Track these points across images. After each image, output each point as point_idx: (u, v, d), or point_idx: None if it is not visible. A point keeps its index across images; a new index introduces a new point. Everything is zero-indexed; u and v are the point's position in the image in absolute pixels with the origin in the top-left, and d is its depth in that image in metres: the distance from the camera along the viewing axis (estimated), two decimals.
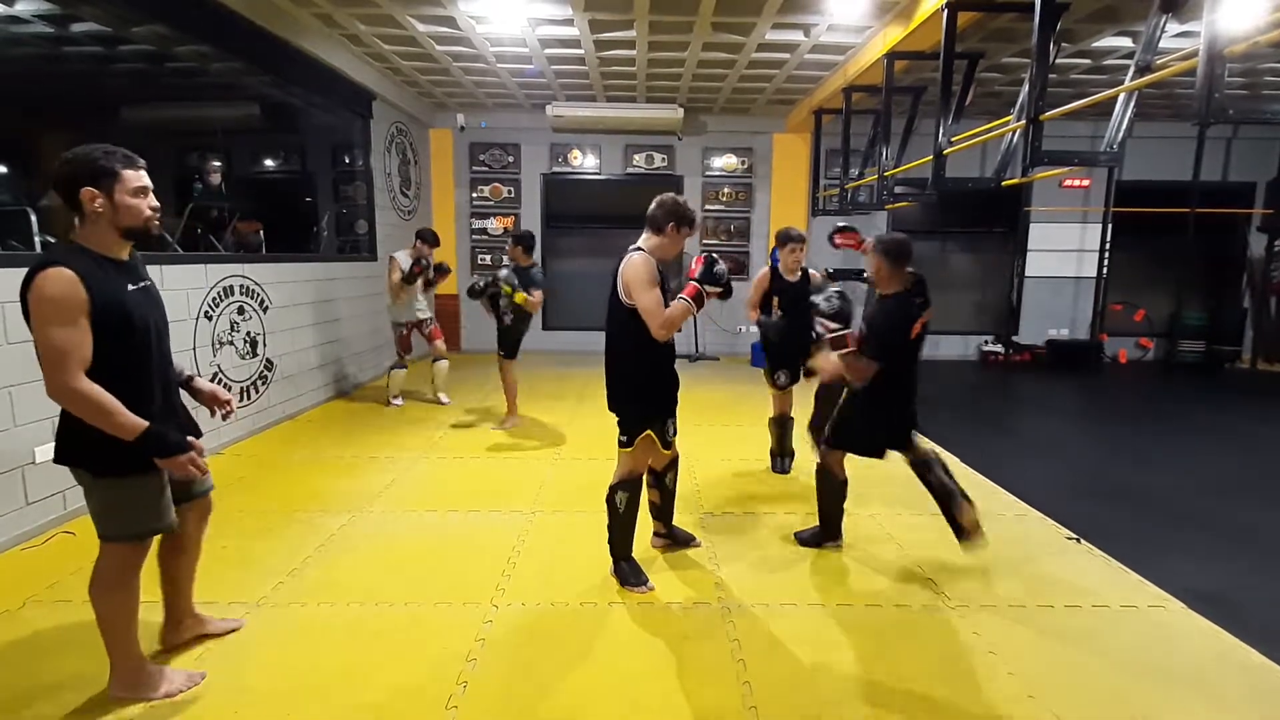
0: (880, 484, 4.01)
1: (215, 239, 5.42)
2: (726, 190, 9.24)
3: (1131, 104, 3.30)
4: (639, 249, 2.76)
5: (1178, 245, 8.65)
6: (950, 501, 3.00)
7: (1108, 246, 9.01)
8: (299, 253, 6.11)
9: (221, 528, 3.32)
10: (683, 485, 4.05)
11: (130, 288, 1.95)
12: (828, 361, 3.05)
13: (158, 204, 1.99)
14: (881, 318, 2.95)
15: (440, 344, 5.95)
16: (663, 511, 3.20)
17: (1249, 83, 6.95)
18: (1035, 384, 8.03)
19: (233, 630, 2.50)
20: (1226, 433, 5.77)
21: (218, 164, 5.53)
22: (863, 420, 3.02)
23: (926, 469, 3.04)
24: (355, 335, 6.73)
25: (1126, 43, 5.64)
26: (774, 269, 4.15)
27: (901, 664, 2.34)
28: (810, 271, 4.11)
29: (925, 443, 3.15)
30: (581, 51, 6.17)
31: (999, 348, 9.20)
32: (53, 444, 1.94)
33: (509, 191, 9.22)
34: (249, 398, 5.02)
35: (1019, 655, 2.40)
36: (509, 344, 5.24)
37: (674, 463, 3.10)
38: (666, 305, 2.68)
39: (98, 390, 1.82)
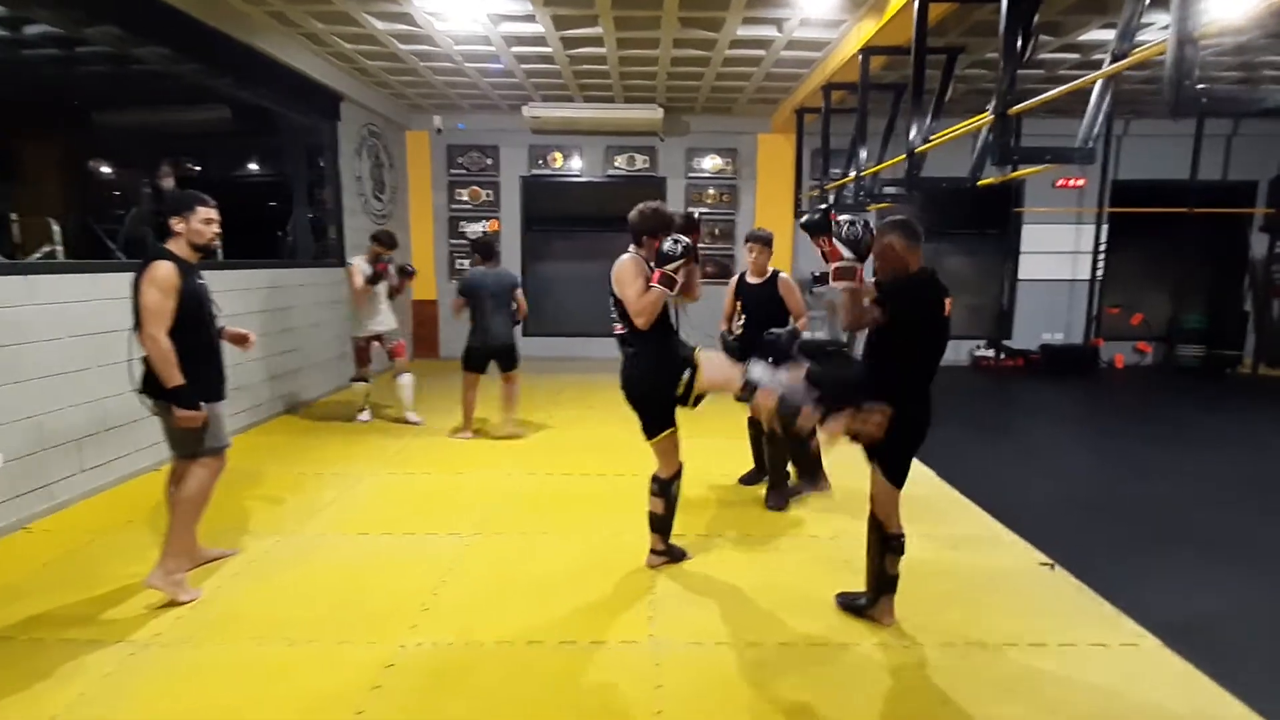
0: (847, 499, 3.78)
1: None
2: (711, 192, 9.03)
3: (1108, 97, 3.06)
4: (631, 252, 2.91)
5: (1177, 246, 8.39)
6: (886, 587, 2.62)
7: (1104, 248, 8.76)
8: (257, 259, 5.90)
9: (134, 554, 3.13)
10: (641, 504, 3.85)
11: (198, 281, 2.77)
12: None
13: (219, 230, 2.82)
14: (908, 290, 2.44)
15: (402, 360, 5.64)
16: (664, 523, 3.07)
17: (1247, 76, 6.69)
18: (1027, 390, 7.77)
19: (230, 555, 3.15)
20: (1225, 442, 5.51)
21: (168, 168, 5.34)
22: (896, 433, 2.46)
23: (899, 545, 2.57)
24: (318, 345, 6.53)
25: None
26: (743, 273, 3.93)
27: (840, 712, 2.11)
28: (780, 276, 3.83)
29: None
30: (550, 50, 5.97)
31: (991, 352, 8.93)
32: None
33: (488, 194, 9.02)
34: None
35: (973, 701, 2.17)
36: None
37: (679, 471, 3.03)
38: None
39: (168, 344, 2.61)
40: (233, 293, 5.27)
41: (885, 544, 2.56)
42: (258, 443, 5.12)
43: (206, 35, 4.96)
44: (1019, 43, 3.18)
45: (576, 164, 8.92)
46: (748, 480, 4.17)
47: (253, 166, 7.08)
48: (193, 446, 2.79)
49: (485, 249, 5.33)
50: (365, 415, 5.75)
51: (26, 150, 5.80)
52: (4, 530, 3.37)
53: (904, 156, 4.24)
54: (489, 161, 8.95)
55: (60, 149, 5.67)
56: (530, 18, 5.19)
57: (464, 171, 8.96)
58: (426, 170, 8.93)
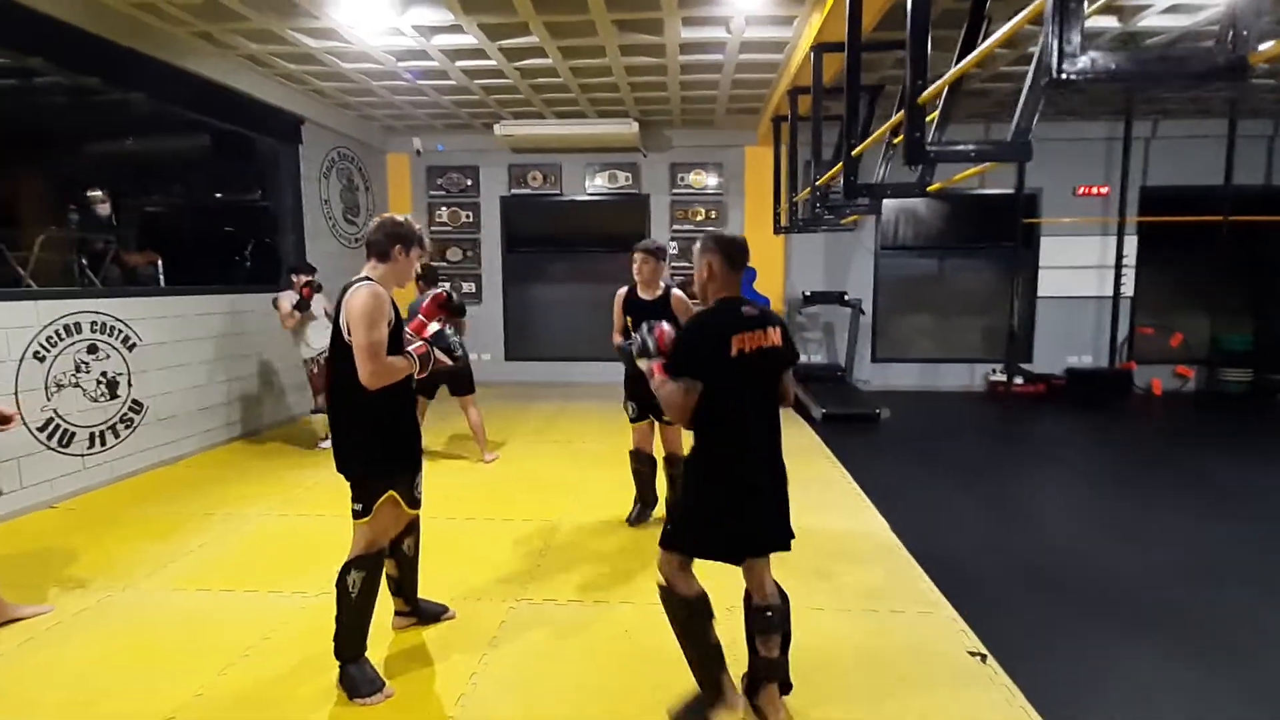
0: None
1: (93, 273, 5.10)
2: (697, 208, 8.58)
3: (1043, 97, 2.50)
4: (366, 279, 2.31)
5: (1217, 258, 7.48)
6: (765, 674, 2.13)
7: (1130, 261, 7.90)
8: (195, 285, 5.73)
9: None
10: (518, 556, 3.41)
11: None
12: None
13: None
14: (686, 329, 2.12)
15: None
16: (403, 585, 2.66)
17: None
18: (1040, 421, 6.96)
19: (42, 614, 2.83)
20: (1246, 495, 4.62)
21: (101, 194, 5.24)
22: (688, 498, 2.11)
23: (762, 620, 2.09)
24: (270, 371, 6.34)
25: (1108, 22, 4.74)
26: (632, 287, 3.52)
27: None
28: (674, 292, 3.42)
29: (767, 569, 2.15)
30: (494, 63, 5.68)
31: (1004, 377, 8.12)
32: None
33: (468, 216, 8.80)
34: (104, 443, 4.61)
35: None
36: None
37: (413, 525, 2.59)
38: (398, 346, 2.32)
39: None
40: (162, 320, 5.10)
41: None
42: (178, 476, 4.89)
43: (142, 62, 4.88)
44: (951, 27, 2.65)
45: (557, 183, 8.63)
46: (636, 520, 3.74)
47: (211, 192, 7.01)
48: None
49: (430, 274, 5.25)
50: (326, 443, 5.57)
51: None
52: None
53: (839, 167, 3.70)
54: (469, 182, 8.75)
55: None
56: (458, 28, 4.91)
57: (443, 193, 8.78)
58: (407, 193, 8.78)
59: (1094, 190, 7.93)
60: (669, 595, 2.08)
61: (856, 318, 8.07)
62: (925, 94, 2.50)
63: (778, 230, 6.96)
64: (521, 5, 4.46)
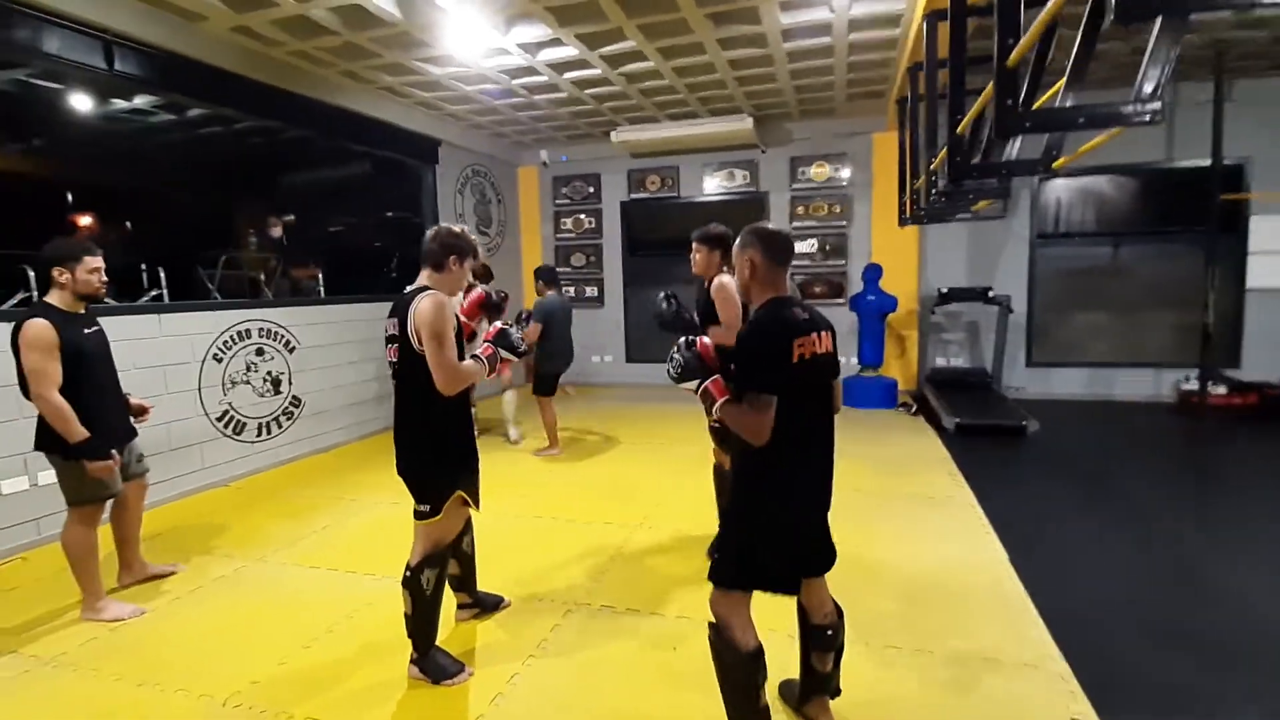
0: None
1: (266, 286, 5.96)
2: (819, 203, 8.13)
3: (1174, 41, 2.04)
4: (427, 288, 2.40)
5: None
6: (817, 689, 2.09)
7: None
8: (347, 295, 6.47)
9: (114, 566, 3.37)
10: (587, 560, 3.43)
11: (86, 332, 2.83)
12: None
13: (105, 279, 2.87)
14: (745, 336, 1.90)
15: (506, 377, 5.94)
16: (464, 581, 2.80)
17: None
18: (1244, 440, 5.72)
19: (172, 573, 3.35)
20: None
21: (281, 218, 6.12)
22: (744, 524, 1.90)
23: (822, 639, 2.03)
24: None
25: None
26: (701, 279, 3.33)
27: None
28: (718, 279, 3.02)
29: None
30: (599, 71, 5.80)
31: (1197, 386, 6.76)
32: (21, 477, 3.50)
33: (590, 222, 9.09)
34: (269, 433, 5.35)
35: None
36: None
37: (468, 524, 2.71)
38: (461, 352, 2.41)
39: (60, 401, 2.67)
40: (316, 326, 5.82)
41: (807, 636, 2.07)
42: (327, 463, 5.53)
43: (304, 103, 5.63)
44: None
45: (675, 185, 8.63)
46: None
47: (363, 212, 7.89)
48: (85, 494, 2.82)
49: (551, 276, 5.67)
50: (514, 433, 6.04)
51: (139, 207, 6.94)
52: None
53: (943, 152, 3.29)
54: (590, 190, 9.03)
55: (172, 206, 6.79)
56: (558, 41, 5.07)
57: (567, 201, 9.14)
58: (536, 203, 9.27)
59: None
60: (723, 641, 1.88)
61: (1004, 316, 7.17)
62: (1014, 54, 2.14)
63: (902, 221, 6.38)
64: (612, 11, 4.50)
